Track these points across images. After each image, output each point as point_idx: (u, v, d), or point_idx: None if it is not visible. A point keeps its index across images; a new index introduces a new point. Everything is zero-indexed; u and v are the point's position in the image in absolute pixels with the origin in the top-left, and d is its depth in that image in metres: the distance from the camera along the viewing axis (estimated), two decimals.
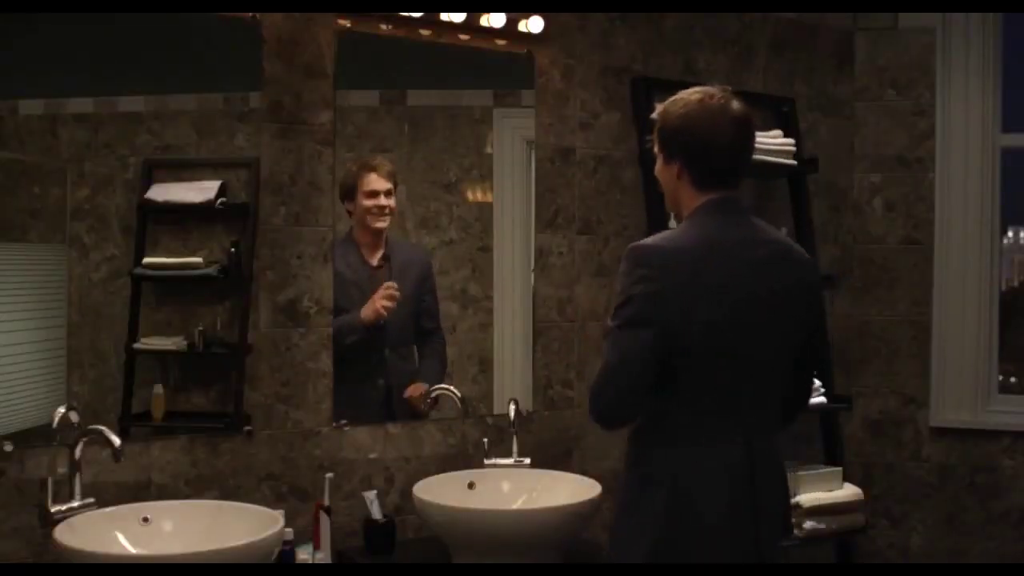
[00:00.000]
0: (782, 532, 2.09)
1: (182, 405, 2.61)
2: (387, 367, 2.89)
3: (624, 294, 1.90)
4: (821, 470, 3.17)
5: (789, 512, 2.15)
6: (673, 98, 2.02)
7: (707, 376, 1.91)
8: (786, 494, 2.10)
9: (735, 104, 1.98)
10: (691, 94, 1.99)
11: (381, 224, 2.83)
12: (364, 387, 2.84)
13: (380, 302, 2.80)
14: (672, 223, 2.87)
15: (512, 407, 2.84)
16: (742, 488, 1.92)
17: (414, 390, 2.90)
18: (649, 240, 1.95)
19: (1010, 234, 3.91)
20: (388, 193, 2.81)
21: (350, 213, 2.79)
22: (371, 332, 2.81)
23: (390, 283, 2.81)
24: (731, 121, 1.96)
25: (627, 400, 1.91)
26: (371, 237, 2.84)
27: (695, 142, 1.96)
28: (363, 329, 2.79)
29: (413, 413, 2.88)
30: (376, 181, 2.79)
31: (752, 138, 2.02)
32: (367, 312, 2.80)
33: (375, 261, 2.87)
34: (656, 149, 2.05)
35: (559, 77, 3.06)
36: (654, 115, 2.10)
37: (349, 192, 2.76)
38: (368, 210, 2.80)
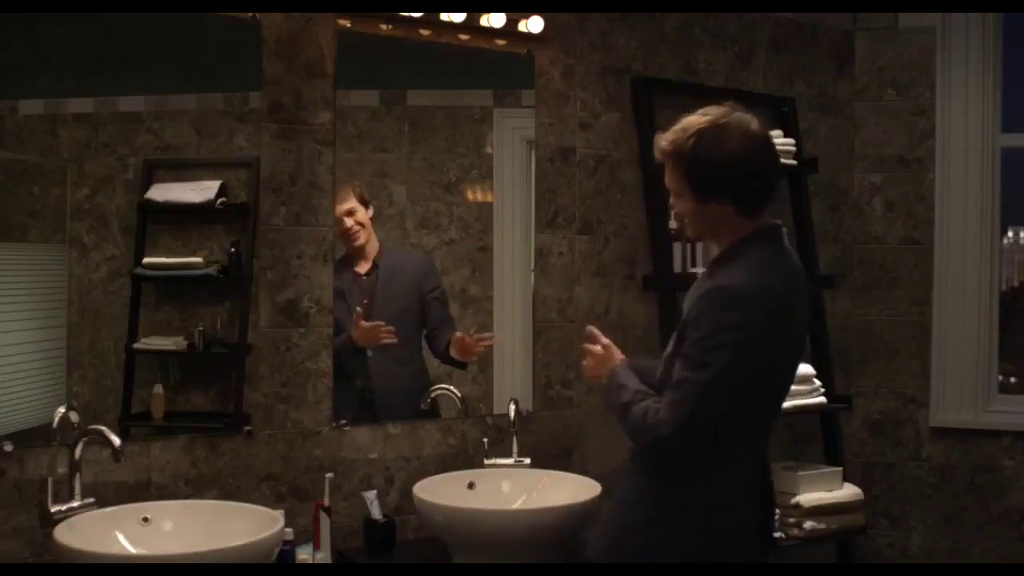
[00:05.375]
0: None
1: (182, 405, 2.60)
2: (368, 369, 2.86)
3: (714, 339, 1.80)
4: (821, 470, 3.17)
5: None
6: (692, 124, 1.86)
7: (752, 409, 1.89)
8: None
9: (756, 124, 1.88)
10: (734, 130, 1.84)
11: (355, 243, 2.83)
12: (344, 388, 2.80)
13: (380, 334, 2.81)
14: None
15: (512, 407, 2.84)
16: (755, 507, 1.97)
17: (457, 340, 2.91)
18: (735, 282, 1.82)
19: (1010, 234, 3.91)
20: (350, 212, 2.80)
21: None
22: (364, 352, 2.83)
23: (383, 326, 2.81)
24: (772, 146, 1.91)
25: (702, 446, 1.85)
26: (354, 250, 2.85)
27: (749, 178, 1.85)
28: (356, 350, 2.81)
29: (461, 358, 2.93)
30: (340, 203, 2.77)
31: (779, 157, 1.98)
32: (360, 337, 2.81)
33: (363, 270, 2.87)
34: (673, 182, 1.91)
35: (559, 77, 3.06)
36: (665, 144, 1.89)
37: None
38: (341, 233, 2.80)
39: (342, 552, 2.59)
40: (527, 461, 2.82)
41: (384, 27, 2.78)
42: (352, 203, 2.81)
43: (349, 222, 2.81)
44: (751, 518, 1.95)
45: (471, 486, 2.70)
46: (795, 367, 1.98)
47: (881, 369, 3.67)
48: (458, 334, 2.92)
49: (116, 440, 2.16)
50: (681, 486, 1.90)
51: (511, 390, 2.97)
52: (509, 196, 3.05)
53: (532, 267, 3.05)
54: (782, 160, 3.26)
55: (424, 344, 2.95)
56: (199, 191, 2.59)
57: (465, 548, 2.48)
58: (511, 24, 2.91)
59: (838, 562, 3.46)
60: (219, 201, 2.59)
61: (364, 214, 2.83)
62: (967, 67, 3.58)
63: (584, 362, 2.11)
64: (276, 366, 2.63)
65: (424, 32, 2.85)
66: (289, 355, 2.65)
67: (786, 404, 2.58)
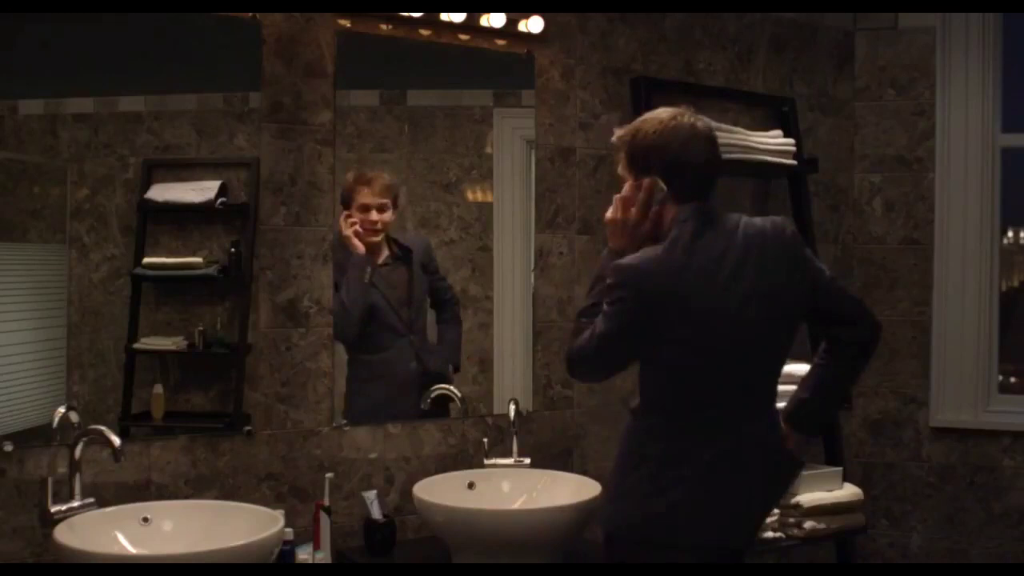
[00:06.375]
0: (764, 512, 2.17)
1: (182, 405, 2.61)
2: (416, 350, 2.90)
3: (607, 307, 1.99)
4: (821, 470, 3.16)
5: (775, 490, 2.20)
6: (641, 118, 2.07)
7: (691, 377, 2.00)
8: (773, 477, 2.14)
9: (701, 124, 2.05)
10: (660, 113, 2.05)
11: (372, 239, 2.82)
12: (398, 373, 2.87)
13: (347, 232, 2.77)
14: None
15: (512, 407, 2.84)
16: (725, 472, 2.01)
17: None
18: (632, 259, 1.98)
19: (1010, 234, 3.91)
20: (381, 208, 2.81)
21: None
22: (374, 266, 2.85)
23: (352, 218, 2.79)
24: (704, 140, 2.04)
25: (609, 373, 2.12)
26: (367, 245, 2.83)
27: (672, 157, 2.01)
28: (367, 260, 2.80)
29: None
30: (367, 196, 2.79)
31: (720, 156, 2.10)
32: (355, 245, 2.78)
33: (379, 260, 2.87)
34: (622, 170, 2.08)
35: (559, 77, 3.06)
36: (615, 139, 2.10)
37: (346, 203, 2.77)
38: (361, 224, 2.79)
39: (342, 552, 2.59)
40: (527, 461, 2.82)
41: (384, 27, 2.78)
42: (383, 199, 2.81)
43: (376, 216, 2.81)
44: (729, 489, 2.01)
45: (471, 486, 2.70)
46: (748, 332, 1.99)
47: (881, 369, 3.67)
48: None
49: (116, 440, 2.16)
50: (639, 428, 2.07)
51: (511, 390, 2.97)
52: (509, 196, 3.05)
53: (532, 267, 3.05)
54: (782, 160, 3.29)
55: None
56: (199, 191, 2.59)
57: (465, 548, 2.48)
58: (511, 24, 2.91)
59: (838, 562, 3.46)
60: (219, 201, 2.59)
61: (390, 216, 2.83)
62: (967, 67, 3.58)
63: (609, 215, 2.11)
64: (276, 366, 2.63)
65: (424, 32, 2.85)
66: (289, 355, 2.65)
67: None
